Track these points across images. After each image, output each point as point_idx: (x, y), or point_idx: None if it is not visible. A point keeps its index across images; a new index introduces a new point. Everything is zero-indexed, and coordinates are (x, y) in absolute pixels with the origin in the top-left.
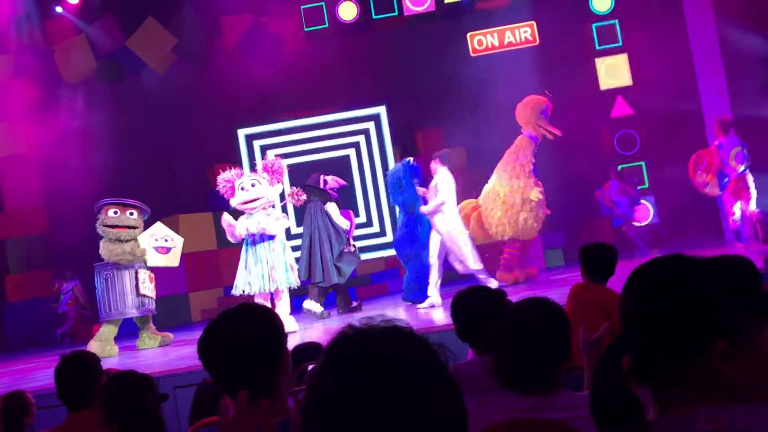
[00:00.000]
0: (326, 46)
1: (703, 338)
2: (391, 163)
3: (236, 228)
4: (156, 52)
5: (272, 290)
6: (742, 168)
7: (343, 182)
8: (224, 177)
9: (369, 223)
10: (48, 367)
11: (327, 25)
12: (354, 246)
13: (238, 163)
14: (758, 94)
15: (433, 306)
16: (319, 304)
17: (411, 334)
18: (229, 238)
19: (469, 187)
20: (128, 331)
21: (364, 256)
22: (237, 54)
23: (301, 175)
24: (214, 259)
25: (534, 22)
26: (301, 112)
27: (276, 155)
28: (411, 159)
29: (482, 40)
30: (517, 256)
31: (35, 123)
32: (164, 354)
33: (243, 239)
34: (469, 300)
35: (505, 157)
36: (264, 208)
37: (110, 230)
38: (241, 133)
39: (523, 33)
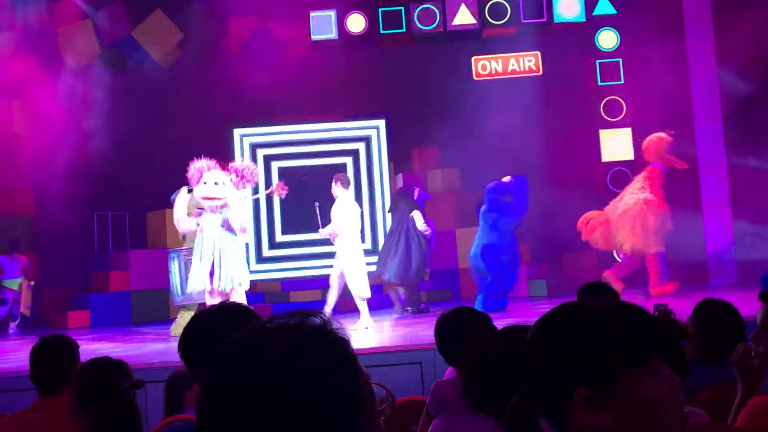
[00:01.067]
0: (331, 56)
1: (566, 385)
2: (386, 178)
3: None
4: (161, 44)
5: (220, 289)
6: None
7: (430, 196)
8: (196, 165)
9: (360, 238)
10: (17, 350)
11: (334, 36)
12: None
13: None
14: (752, 142)
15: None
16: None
17: (330, 333)
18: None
19: (462, 208)
20: (111, 320)
21: None
22: (241, 55)
23: (293, 179)
24: None
25: (539, 53)
26: (301, 118)
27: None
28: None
29: (486, 65)
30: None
31: (31, 103)
32: (138, 348)
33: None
34: (451, 321)
35: (638, 182)
36: (222, 207)
37: None
38: (237, 133)
39: (527, 62)
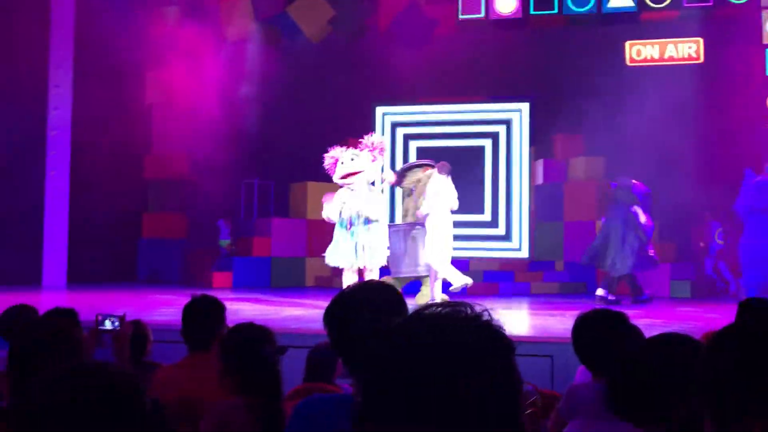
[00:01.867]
0: (478, 36)
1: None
2: (525, 163)
3: (327, 210)
4: (313, 21)
5: (361, 267)
6: (722, 243)
7: (649, 189)
8: (331, 154)
9: (494, 223)
10: (169, 304)
11: (482, 15)
12: (653, 251)
13: None
14: None
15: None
16: (609, 293)
17: (491, 325)
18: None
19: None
20: (251, 283)
21: (482, 254)
22: (389, 33)
23: (431, 159)
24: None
25: (701, 39)
26: (442, 98)
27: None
28: None
29: (641, 51)
30: None
31: (190, 73)
32: (276, 312)
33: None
34: (594, 323)
35: None
36: (364, 183)
37: None
38: (379, 111)
39: (687, 49)
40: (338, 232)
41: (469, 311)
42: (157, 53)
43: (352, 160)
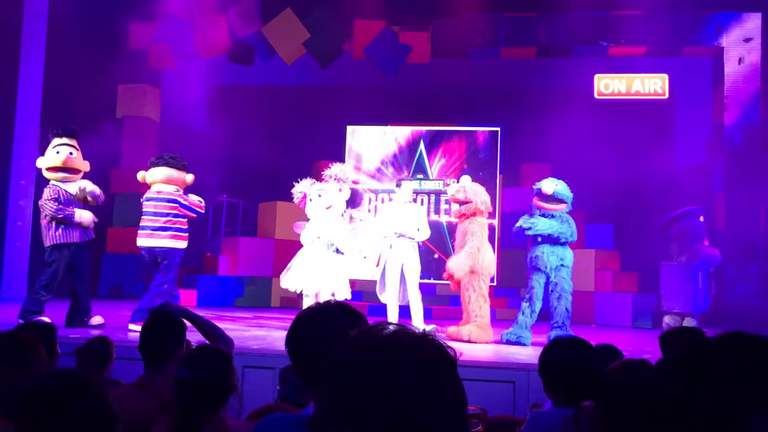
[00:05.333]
0: (451, 64)
1: None
2: (497, 186)
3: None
4: (288, 43)
5: (317, 293)
6: None
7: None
8: (299, 188)
9: None
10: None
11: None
12: None
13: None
14: None
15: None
16: None
17: (434, 339)
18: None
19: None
20: (216, 303)
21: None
22: (363, 57)
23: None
24: None
25: (666, 75)
26: (413, 123)
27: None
28: None
29: (609, 84)
30: None
31: (164, 90)
32: (239, 331)
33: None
34: (562, 354)
35: None
36: (335, 215)
37: None
38: (350, 134)
39: (653, 84)
40: (301, 256)
41: (417, 330)
42: (129, 67)
43: (320, 196)
